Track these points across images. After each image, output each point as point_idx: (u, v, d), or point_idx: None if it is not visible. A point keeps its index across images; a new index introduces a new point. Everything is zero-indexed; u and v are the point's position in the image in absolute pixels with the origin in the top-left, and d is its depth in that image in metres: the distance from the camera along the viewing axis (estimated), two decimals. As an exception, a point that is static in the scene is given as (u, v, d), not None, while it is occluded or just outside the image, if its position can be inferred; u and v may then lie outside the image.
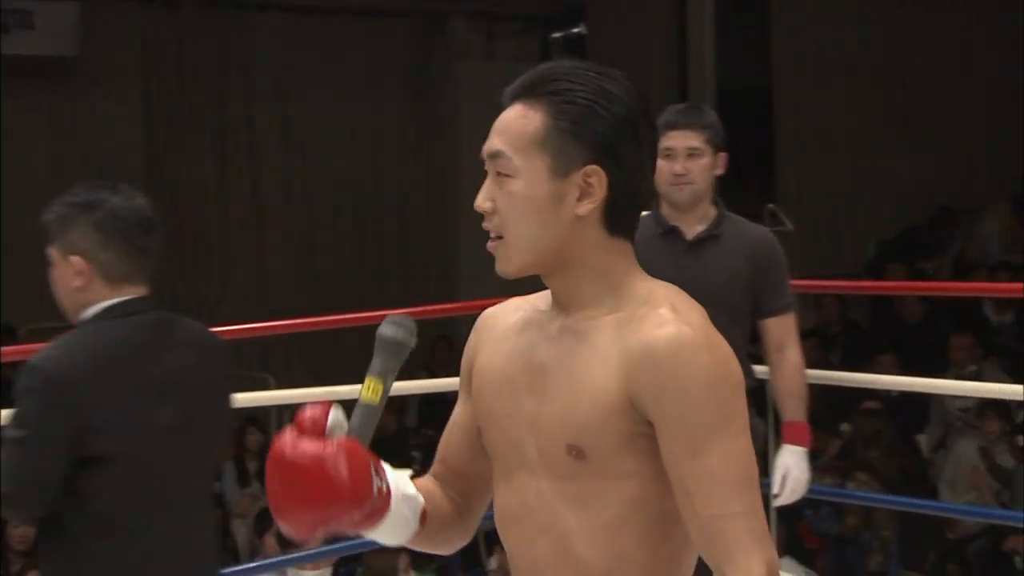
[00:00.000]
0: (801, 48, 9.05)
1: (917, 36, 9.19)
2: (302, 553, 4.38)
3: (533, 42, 10.18)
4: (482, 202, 1.50)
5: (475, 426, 1.59)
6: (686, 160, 3.15)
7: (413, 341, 1.52)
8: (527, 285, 1.61)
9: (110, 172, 8.63)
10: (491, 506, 1.63)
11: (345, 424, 1.47)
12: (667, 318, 1.44)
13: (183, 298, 8.96)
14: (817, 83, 9.07)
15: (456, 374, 1.69)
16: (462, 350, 1.66)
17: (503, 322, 1.59)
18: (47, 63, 8.32)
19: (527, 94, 1.49)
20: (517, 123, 1.48)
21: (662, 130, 3.15)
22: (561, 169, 1.46)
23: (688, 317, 1.45)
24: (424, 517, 1.54)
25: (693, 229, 3.21)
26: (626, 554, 1.48)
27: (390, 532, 1.52)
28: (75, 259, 2.41)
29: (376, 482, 1.45)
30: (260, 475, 7.06)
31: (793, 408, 3.27)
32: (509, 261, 1.49)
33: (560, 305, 1.52)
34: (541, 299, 1.57)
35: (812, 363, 6.42)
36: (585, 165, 1.46)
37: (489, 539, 5.70)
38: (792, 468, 3.24)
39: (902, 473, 5.71)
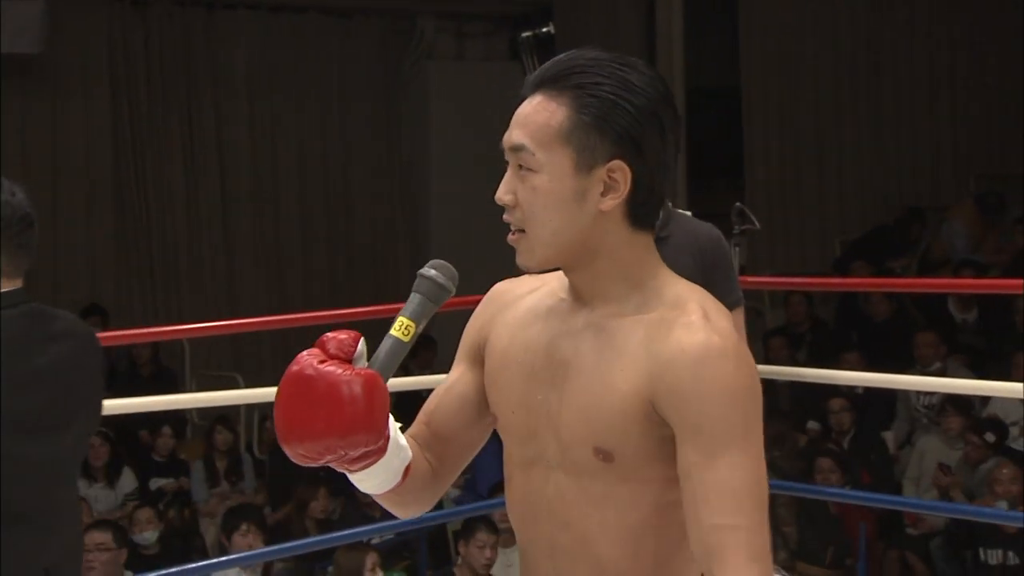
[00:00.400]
0: (769, 48, 9.11)
1: (885, 37, 9.27)
2: (273, 548, 4.37)
3: (502, 42, 10.19)
4: (503, 195, 1.48)
5: (473, 395, 1.58)
6: None
7: (453, 290, 1.49)
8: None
9: (77, 170, 8.61)
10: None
11: (366, 357, 1.44)
12: (698, 325, 1.42)
13: (151, 296, 8.94)
14: (785, 83, 9.13)
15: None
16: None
17: (519, 304, 1.57)
18: (12, 61, 8.27)
19: (550, 85, 1.46)
20: (540, 116, 1.45)
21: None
22: (585, 164, 1.44)
23: (718, 324, 1.44)
24: (407, 472, 1.51)
25: None
26: (646, 556, 1.48)
27: (376, 478, 1.48)
28: None
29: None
30: (228, 474, 7.04)
31: None
32: (532, 255, 1.48)
33: (581, 298, 1.50)
34: (558, 282, 1.55)
35: (779, 361, 6.50)
36: (609, 160, 1.44)
37: (456, 537, 5.70)
38: None
39: (803, 473, 5.76)
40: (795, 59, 9.11)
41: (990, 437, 5.82)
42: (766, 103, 9.15)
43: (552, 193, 1.44)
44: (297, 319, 3.95)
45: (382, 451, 1.45)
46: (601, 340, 1.47)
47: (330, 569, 5.43)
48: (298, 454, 1.42)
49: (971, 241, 8.49)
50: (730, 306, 3.30)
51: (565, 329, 1.50)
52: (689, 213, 3.66)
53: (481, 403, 1.59)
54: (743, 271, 4.49)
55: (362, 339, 1.43)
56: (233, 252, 9.27)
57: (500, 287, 1.62)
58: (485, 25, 10.12)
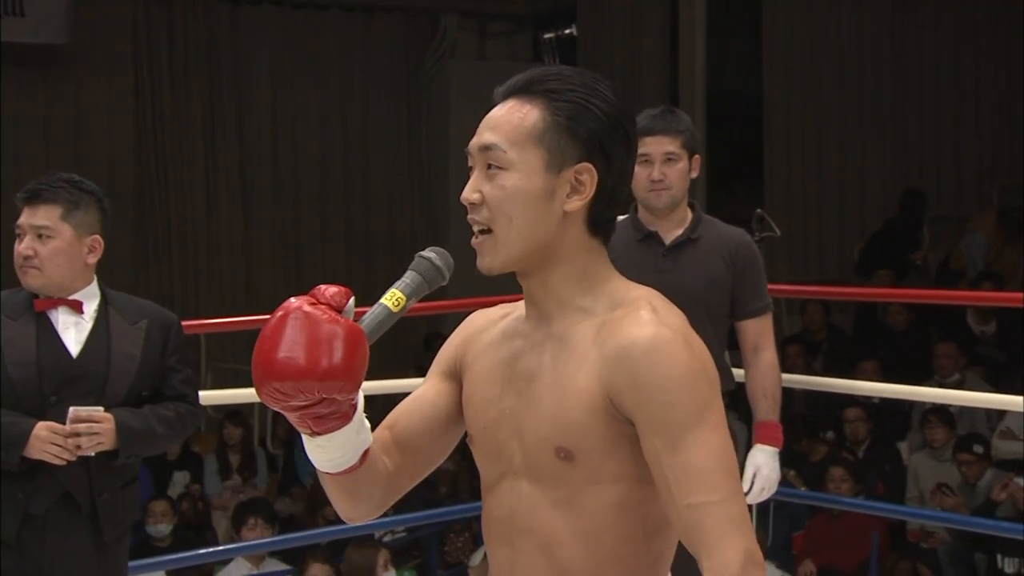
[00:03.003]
0: (791, 54, 9.07)
1: (907, 46, 9.23)
2: (280, 537, 4.38)
3: (524, 42, 10.19)
4: (470, 194, 1.50)
5: (443, 407, 1.60)
6: (663, 165, 3.14)
7: (447, 277, 1.51)
8: (516, 283, 1.61)
9: (100, 159, 8.64)
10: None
11: (353, 315, 1.45)
12: (646, 319, 1.45)
13: (169, 288, 8.96)
14: (807, 89, 9.09)
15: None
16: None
17: (491, 329, 1.60)
18: (38, 51, 8.29)
19: (522, 91, 1.51)
20: (514, 117, 1.49)
21: (637, 136, 3.15)
22: (556, 164, 1.48)
23: (667, 319, 1.47)
24: (364, 457, 1.50)
25: (671, 234, 3.21)
26: (609, 555, 1.49)
27: (336, 449, 1.47)
28: (93, 239, 2.71)
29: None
30: (241, 468, 7.05)
31: (766, 408, 3.29)
32: (496, 256, 1.49)
33: (537, 307, 1.53)
34: (523, 307, 1.58)
35: (795, 369, 6.48)
36: (578, 162, 1.49)
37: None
38: (762, 467, 3.25)
39: (816, 482, 5.69)
40: (818, 65, 9.07)
41: (979, 448, 5.74)
42: (788, 108, 9.11)
43: (521, 191, 1.47)
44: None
45: (348, 416, 1.44)
46: (559, 348, 1.50)
47: (341, 566, 5.43)
48: (271, 391, 1.39)
49: (990, 253, 8.43)
50: (758, 312, 3.27)
51: (528, 345, 1.54)
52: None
53: (450, 417, 1.61)
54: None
55: (352, 297, 1.44)
56: (251, 246, 9.30)
57: (476, 314, 1.66)
58: (508, 24, 10.11)
